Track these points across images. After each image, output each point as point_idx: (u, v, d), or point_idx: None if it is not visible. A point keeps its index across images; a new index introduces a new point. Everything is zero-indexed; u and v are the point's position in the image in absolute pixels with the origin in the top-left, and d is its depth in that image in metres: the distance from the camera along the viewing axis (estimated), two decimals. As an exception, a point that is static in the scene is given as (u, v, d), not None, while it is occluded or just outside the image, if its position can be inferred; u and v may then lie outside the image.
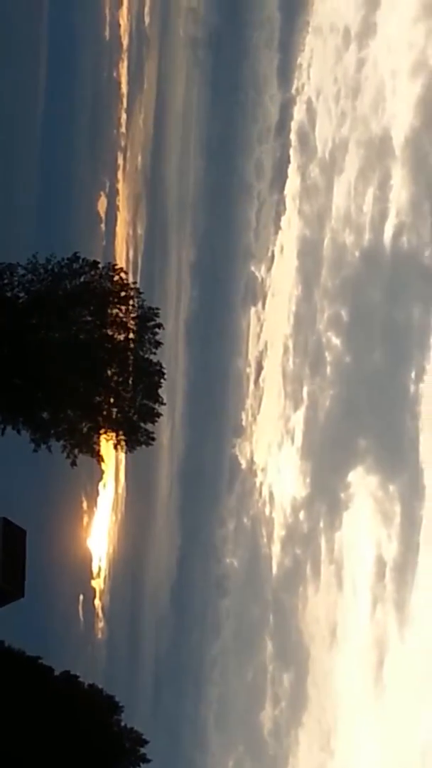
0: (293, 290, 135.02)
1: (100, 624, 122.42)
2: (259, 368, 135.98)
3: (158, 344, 67.20)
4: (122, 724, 72.15)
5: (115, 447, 68.79)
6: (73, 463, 68.28)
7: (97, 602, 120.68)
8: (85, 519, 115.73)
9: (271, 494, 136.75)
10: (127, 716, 72.87)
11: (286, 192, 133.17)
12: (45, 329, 66.03)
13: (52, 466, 73.61)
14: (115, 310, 66.35)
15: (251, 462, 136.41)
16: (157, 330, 66.93)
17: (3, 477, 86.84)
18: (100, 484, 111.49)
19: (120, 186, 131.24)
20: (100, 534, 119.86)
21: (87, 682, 72.53)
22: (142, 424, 67.63)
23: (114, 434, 67.73)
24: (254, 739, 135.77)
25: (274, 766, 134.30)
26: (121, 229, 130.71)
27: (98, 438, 67.81)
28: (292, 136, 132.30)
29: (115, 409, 67.14)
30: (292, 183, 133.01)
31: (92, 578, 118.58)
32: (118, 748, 70.61)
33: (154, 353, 67.21)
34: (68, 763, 62.79)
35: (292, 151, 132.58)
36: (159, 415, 68.20)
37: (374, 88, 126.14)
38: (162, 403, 68.22)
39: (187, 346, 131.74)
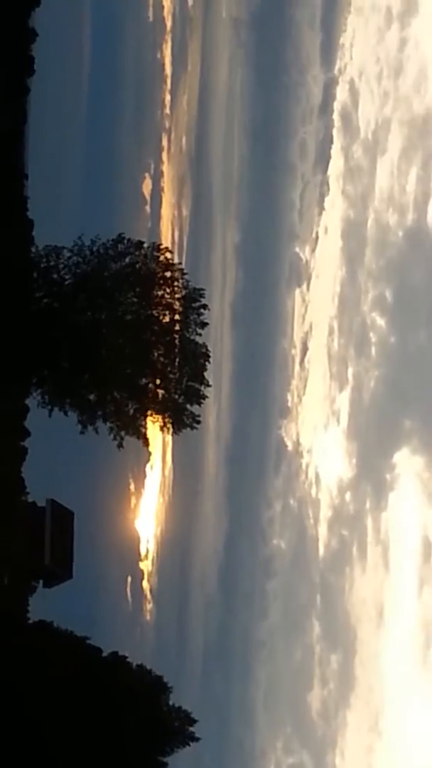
0: (338, 271, 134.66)
1: (149, 605, 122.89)
2: (305, 349, 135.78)
3: (204, 325, 67.23)
4: (171, 703, 72.39)
5: (162, 429, 68.96)
6: (120, 445, 68.51)
7: (145, 584, 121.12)
8: (133, 501, 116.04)
9: (317, 475, 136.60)
10: (176, 696, 73.15)
11: (329, 172, 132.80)
12: (91, 311, 66.27)
13: (100, 448, 73.82)
14: (160, 291, 66.43)
15: (297, 443, 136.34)
16: (202, 310, 66.91)
17: (51, 459, 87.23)
18: (148, 466, 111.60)
19: (165, 167, 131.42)
20: (147, 516, 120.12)
21: (135, 662, 72.76)
22: (188, 406, 67.68)
23: (160, 416, 67.85)
24: (302, 720, 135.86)
25: (322, 746, 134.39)
26: (166, 211, 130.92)
27: (144, 420, 67.96)
28: (335, 117, 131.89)
29: (161, 391, 67.24)
30: (336, 163, 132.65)
31: (140, 560, 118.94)
32: (167, 728, 70.90)
33: (200, 334, 67.22)
34: (117, 743, 63.10)
35: (335, 132, 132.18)
36: (205, 397, 68.25)
37: (416, 67, 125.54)
38: (208, 385, 68.28)
39: (232, 327, 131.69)
